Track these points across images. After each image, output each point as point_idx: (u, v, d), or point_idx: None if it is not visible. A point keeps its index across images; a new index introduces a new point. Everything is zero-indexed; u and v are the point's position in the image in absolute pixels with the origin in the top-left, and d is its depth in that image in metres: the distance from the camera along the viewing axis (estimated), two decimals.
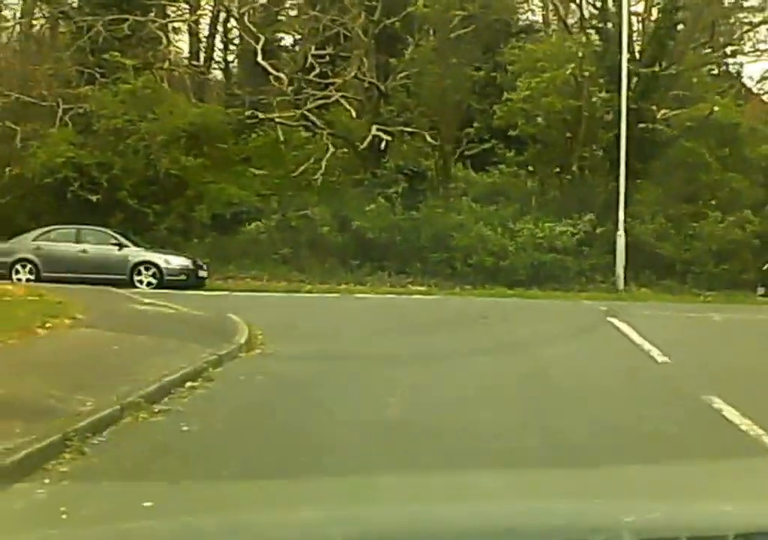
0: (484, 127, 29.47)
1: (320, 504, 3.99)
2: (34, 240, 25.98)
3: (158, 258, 25.60)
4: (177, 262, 25.59)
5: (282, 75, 31.65)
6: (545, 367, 11.35)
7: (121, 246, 25.80)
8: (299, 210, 29.15)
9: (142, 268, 25.34)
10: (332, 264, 28.49)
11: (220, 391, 8.87)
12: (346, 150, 30.66)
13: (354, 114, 30.77)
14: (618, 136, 26.86)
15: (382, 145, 28.41)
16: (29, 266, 25.53)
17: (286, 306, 19.35)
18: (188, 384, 8.78)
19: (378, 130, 28.83)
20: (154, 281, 25.04)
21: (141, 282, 25.07)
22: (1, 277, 24.96)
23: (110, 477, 6.09)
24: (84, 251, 25.79)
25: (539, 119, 28.08)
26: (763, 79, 37.93)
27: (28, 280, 25.04)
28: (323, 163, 28.51)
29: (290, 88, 31.01)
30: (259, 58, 31.52)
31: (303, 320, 15.15)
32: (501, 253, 26.92)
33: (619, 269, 26.79)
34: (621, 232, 26.75)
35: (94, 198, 28.91)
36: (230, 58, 38.56)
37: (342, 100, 30.88)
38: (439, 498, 4.10)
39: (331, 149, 28.97)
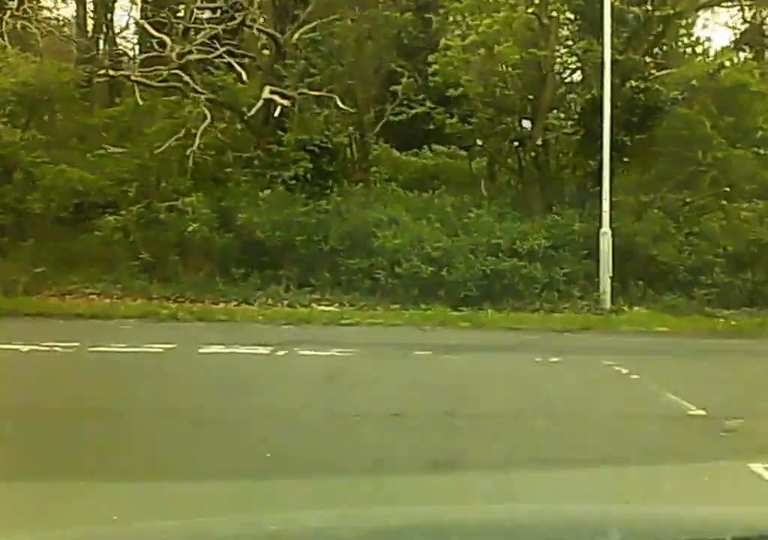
0: (415, 87, 21.90)
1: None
2: None
3: None
4: None
5: (164, 36, 23.96)
6: None
7: None
8: (167, 200, 21.43)
9: None
10: (209, 273, 20.82)
11: None
12: (238, 127, 22.99)
13: (245, 76, 23.01)
14: (600, 97, 19.59)
15: (277, 111, 20.75)
16: None
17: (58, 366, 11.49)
18: None
19: (272, 92, 21.20)
20: None
21: None
22: None
23: None
24: None
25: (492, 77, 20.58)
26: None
27: None
28: (197, 138, 20.80)
29: (174, 52, 23.42)
30: (137, 16, 24.26)
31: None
32: (442, 259, 19.41)
33: (605, 281, 19.50)
34: (606, 230, 19.45)
35: None
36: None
37: (227, 57, 23.21)
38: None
39: (209, 119, 21.22)
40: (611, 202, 19.56)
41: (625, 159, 20.47)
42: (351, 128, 22.12)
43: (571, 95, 20.40)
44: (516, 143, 20.86)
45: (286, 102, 20.64)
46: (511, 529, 3.00)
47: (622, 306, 19.63)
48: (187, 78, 22.17)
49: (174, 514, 5.04)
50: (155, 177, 21.77)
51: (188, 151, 20.54)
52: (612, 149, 19.58)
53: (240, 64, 23.18)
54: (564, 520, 3.20)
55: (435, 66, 20.81)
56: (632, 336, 17.48)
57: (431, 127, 21.57)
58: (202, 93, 21.90)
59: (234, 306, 19.79)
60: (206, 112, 21.35)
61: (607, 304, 19.51)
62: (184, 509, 5.28)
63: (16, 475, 6.21)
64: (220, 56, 22.94)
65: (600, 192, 19.52)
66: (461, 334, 17.22)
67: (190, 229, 20.82)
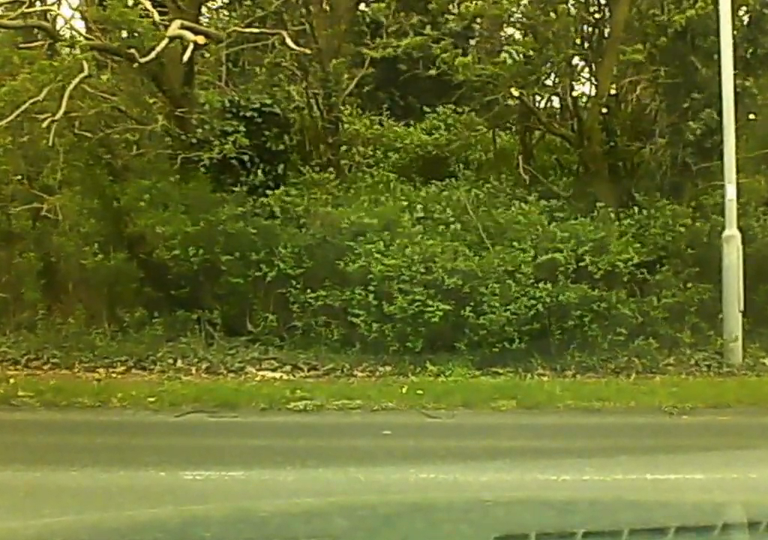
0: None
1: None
2: None
3: None
4: None
5: None
6: None
7: None
8: (26, 202, 13.62)
9: None
10: (87, 318, 13.01)
11: None
12: (138, 85, 15.16)
13: (156, 16, 15.06)
14: (715, 10, 11.85)
15: (186, 54, 12.87)
16: None
17: None
18: None
19: (183, 28, 13.36)
20: None
21: None
22: None
23: None
24: None
25: None
26: None
27: None
28: (64, 99, 12.92)
29: None
30: None
31: None
32: (463, 288, 11.56)
33: (733, 317, 11.70)
34: (733, 232, 11.72)
35: None
36: None
37: None
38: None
39: (85, 71, 13.33)
40: (738, 185, 11.84)
41: (750, 115, 12.68)
42: (307, 81, 14.16)
43: (657, 16, 12.53)
44: (572, 95, 12.95)
45: (199, 38, 12.77)
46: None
47: (760, 358, 11.93)
48: (58, 11, 14.51)
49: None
50: (6, 167, 13.92)
51: (46, 121, 12.69)
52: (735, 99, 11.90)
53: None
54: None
55: None
56: None
57: (432, 75, 13.52)
58: (78, 34, 14.12)
59: (120, 373, 12.07)
60: (84, 62, 13.49)
61: (739, 356, 11.76)
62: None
63: None
64: None
65: (720, 168, 11.80)
66: (508, 423, 9.71)
67: (69, 244, 13.22)
